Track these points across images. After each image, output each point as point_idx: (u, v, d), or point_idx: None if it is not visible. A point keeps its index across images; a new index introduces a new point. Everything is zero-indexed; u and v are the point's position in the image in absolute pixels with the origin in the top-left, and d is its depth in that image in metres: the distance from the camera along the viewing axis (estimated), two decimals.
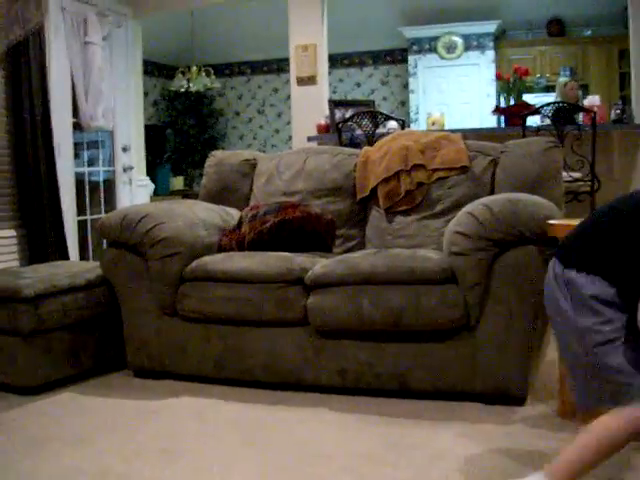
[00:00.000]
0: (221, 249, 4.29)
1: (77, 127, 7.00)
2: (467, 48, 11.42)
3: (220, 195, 4.91)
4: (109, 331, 4.45)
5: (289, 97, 11.37)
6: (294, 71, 7.36)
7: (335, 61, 11.46)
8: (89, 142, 7.57)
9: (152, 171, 8.82)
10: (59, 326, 4.16)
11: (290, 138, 11.31)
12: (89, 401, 3.96)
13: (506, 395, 3.53)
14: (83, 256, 7.08)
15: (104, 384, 4.26)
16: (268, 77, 12.34)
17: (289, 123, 11.65)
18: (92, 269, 4.52)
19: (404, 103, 11.91)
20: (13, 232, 6.10)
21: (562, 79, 7.71)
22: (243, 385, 3.99)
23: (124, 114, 7.62)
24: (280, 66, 12.08)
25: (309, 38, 7.35)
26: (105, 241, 4.42)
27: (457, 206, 4.14)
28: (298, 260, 3.92)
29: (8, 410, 3.82)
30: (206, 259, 4.10)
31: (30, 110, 6.12)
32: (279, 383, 3.92)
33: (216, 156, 5.10)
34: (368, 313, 3.64)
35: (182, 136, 11.58)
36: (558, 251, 2.42)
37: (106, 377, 4.38)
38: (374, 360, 3.72)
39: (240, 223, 4.37)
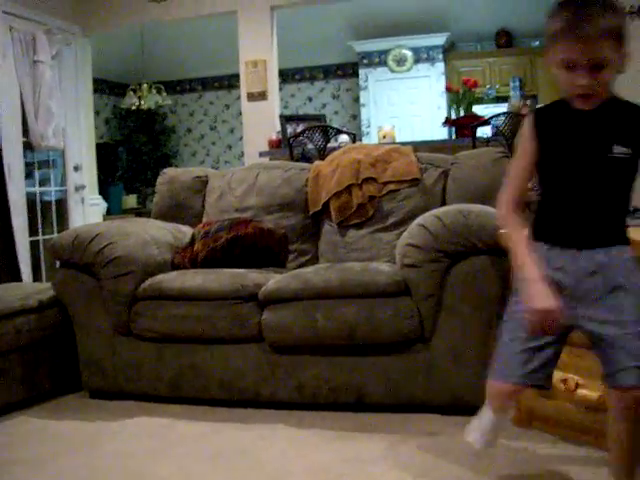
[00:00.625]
0: (174, 267, 4.27)
1: (28, 147, 6.95)
2: (417, 61, 11.49)
3: (172, 212, 4.88)
4: (63, 352, 4.41)
5: (240, 113, 11.44)
6: (244, 87, 7.37)
7: (286, 76, 11.48)
8: (40, 162, 7.53)
9: (104, 190, 8.77)
10: (12, 348, 4.11)
11: (243, 154, 11.33)
12: (45, 424, 3.91)
13: (463, 405, 3.54)
14: (36, 277, 7.02)
15: (60, 406, 4.21)
16: (219, 93, 12.33)
17: (241, 139, 11.63)
18: (44, 290, 4.47)
19: (355, 117, 11.96)
20: None
21: (514, 100, 7.80)
22: (200, 403, 3.97)
23: (75, 133, 7.59)
24: (231, 82, 12.07)
25: (259, 54, 7.36)
26: (57, 261, 4.37)
27: (409, 218, 4.16)
28: (251, 276, 3.92)
29: None
30: (159, 277, 4.08)
31: None
32: (236, 400, 3.91)
33: (167, 174, 5.08)
34: (322, 328, 3.64)
35: (134, 154, 11.52)
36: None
37: (62, 399, 4.33)
38: (330, 375, 3.72)
39: (193, 240, 4.36)
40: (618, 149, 2.22)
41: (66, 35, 7.54)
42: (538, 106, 7.25)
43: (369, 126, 11.52)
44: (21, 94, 6.85)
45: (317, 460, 3.18)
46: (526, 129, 2.35)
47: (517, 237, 2.36)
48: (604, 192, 2.28)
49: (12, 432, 3.82)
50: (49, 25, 7.20)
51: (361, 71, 11.67)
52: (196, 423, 3.74)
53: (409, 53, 11.49)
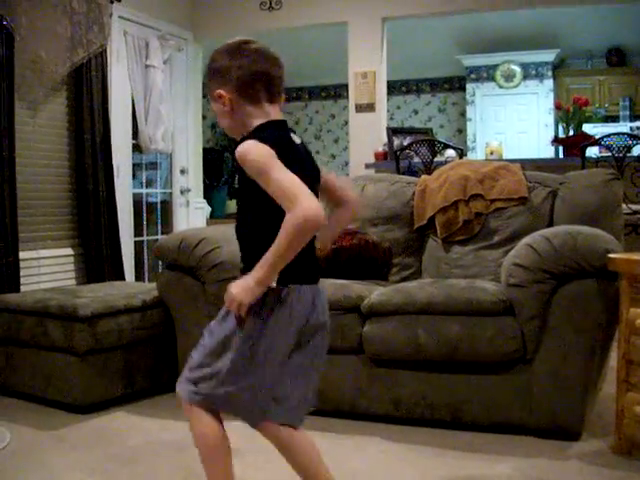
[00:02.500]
0: None
1: (136, 149, 7.09)
2: (525, 77, 11.37)
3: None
4: (163, 352, 4.48)
5: (346, 123, 11.46)
6: (353, 98, 7.37)
7: (393, 88, 11.47)
8: (147, 163, 7.67)
9: (209, 194, 8.87)
10: (114, 346, 4.21)
11: (346, 164, 11.33)
12: (142, 421, 3.98)
13: (561, 430, 3.48)
14: (138, 277, 7.13)
15: (157, 404, 4.28)
16: (325, 103, 12.39)
17: (345, 149, 11.69)
18: (148, 290, 4.55)
19: (461, 131, 11.89)
20: (71, 251, 6.18)
21: None
22: None
23: (183, 137, 7.71)
24: (338, 92, 12.12)
25: (368, 65, 7.36)
26: (162, 263, 4.43)
27: (515, 237, 4.13)
28: (355, 287, 3.91)
29: (61, 428, 3.85)
30: None
31: (91, 131, 6.20)
32: (332, 410, 3.90)
33: None
34: (424, 343, 3.62)
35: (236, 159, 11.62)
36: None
37: (159, 397, 4.40)
38: (428, 390, 3.69)
39: None
40: (239, 179, 2.32)
41: (178, 41, 7.67)
42: None
43: (474, 141, 11.44)
44: (132, 97, 6.98)
45: (410, 475, 3.16)
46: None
47: None
48: (243, 222, 2.42)
49: (110, 427, 3.90)
50: (162, 30, 7.32)
51: (468, 85, 11.60)
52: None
53: (518, 69, 11.38)
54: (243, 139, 2.29)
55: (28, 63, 5.73)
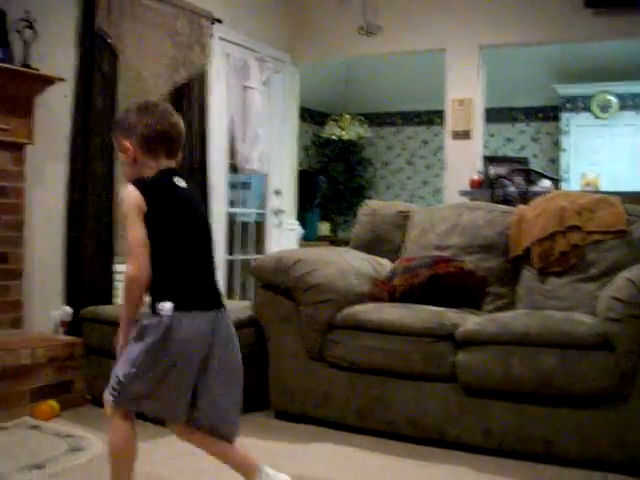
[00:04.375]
0: (372, 299, 4.31)
1: (232, 169, 7.18)
2: (622, 108, 11.18)
3: (372, 244, 4.94)
4: (254, 371, 4.51)
5: (439, 149, 11.43)
6: (449, 125, 7.35)
7: (487, 115, 11.37)
8: (241, 183, 7.76)
9: (301, 216, 8.93)
10: None
11: (438, 190, 11.29)
12: None
13: None
14: (230, 295, 7.21)
15: (245, 423, 4.25)
16: (419, 129, 12.36)
17: (437, 176, 11.63)
18: (242, 309, 4.61)
19: (554, 161, 11.73)
20: None
21: None
22: (385, 436, 3.98)
23: (278, 158, 7.78)
24: (431, 118, 12.08)
25: (465, 92, 7.34)
26: (257, 283, 4.49)
27: (612, 270, 4.08)
28: (449, 315, 3.92)
29: (149, 439, 3.89)
30: (357, 308, 4.13)
31: (189, 150, 6.29)
32: (421, 438, 3.89)
33: (370, 206, 5.15)
34: (517, 374, 3.59)
35: (330, 183, 11.68)
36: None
37: (248, 416, 4.40)
38: (520, 422, 3.66)
39: (392, 274, 4.39)
40: None
41: (276, 63, 7.75)
42: None
43: (568, 172, 11.28)
44: (231, 118, 7.08)
45: None
46: None
47: None
48: None
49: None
50: (261, 52, 7.41)
51: (563, 115, 11.45)
52: (379, 455, 3.76)
53: (614, 99, 11.20)
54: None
55: (131, 81, 5.87)
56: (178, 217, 2.60)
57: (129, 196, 2.53)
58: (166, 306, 2.52)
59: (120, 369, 2.63)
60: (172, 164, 2.71)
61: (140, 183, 2.57)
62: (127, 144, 2.64)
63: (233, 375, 2.77)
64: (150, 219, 2.53)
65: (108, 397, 2.67)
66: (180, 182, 2.67)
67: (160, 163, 2.66)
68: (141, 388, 2.62)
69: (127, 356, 2.61)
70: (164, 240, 2.55)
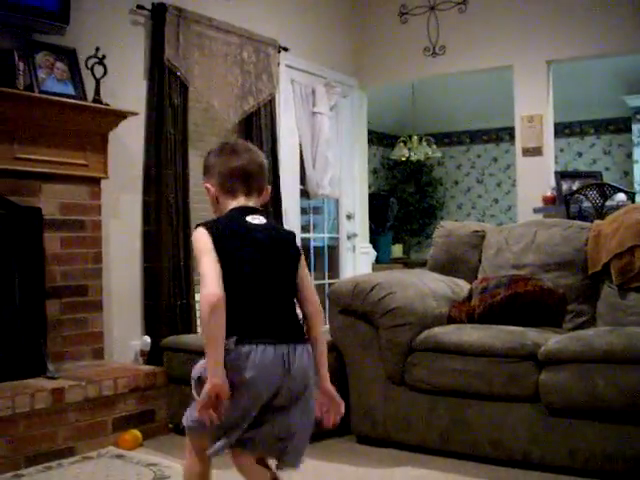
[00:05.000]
0: (450, 320, 4.29)
1: (303, 194, 7.21)
2: None
3: (448, 265, 4.92)
4: None
5: (509, 167, 11.37)
6: (520, 142, 7.30)
7: (556, 130, 11.26)
8: (313, 208, 7.79)
9: (373, 238, 8.92)
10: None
11: (510, 208, 11.21)
12: (312, 464, 3.99)
13: None
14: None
15: (326, 448, 4.30)
16: (487, 146, 12.29)
17: (508, 193, 11.56)
18: None
19: (627, 173, 11.57)
20: None
21: None
22: (468, 459, 3.94)
23: (349, 182, 7.80)
24: (499, 135, 12.01)
25: (534, 108, 7.29)
26: (335, 308, 4.48)
27: None
28: (530, 335, 3.87)
29: (232, 468, 3.91)
30: (436, 330, 4.11)
31: None
32: (504, 459, 3.84)
33: (445, 227, 5.13)
34: (602, 392, 3.53)
35: (401, 204, 11.66)
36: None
37: (329, 441, 4.42)
38: (606, 442, 3.58)
39: (470, 295, 4.37)
40: None
41: (344, 88, 7.78)
42: None
43: None
44: (300, 144, 7.12)
45: None
46: None
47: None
48: None
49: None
50: (328, 78, 7.45)
51: (634, 127, 11.29)
52: (462, 478, 3.72)
53: None
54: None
55: (201, 112, 5.95)
56: (243, 253, 2.55)
57: (195, 236, 2.57)
58: (230, 340, 2.46)
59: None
60: (251, 202, 2.70)
61: (206, 222, 2.61)
62: (208, 185, 2.71)
63: (308, 406, 2.65)
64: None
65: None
66: (255, 219, 2.64)
67: (239, 202, 2.67)
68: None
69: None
70: (228, 276, 2.50)
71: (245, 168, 2.69)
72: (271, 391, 2.47)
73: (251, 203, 2.70)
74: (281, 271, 2.64)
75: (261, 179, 2.74)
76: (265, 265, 2.58)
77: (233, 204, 2.67)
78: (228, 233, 2.58)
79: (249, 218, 2.63)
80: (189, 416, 2.62)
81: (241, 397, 2.45)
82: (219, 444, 2.49)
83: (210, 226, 2.58)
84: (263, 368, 2.46)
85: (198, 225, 2.60)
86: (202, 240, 2.54)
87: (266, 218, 2.69)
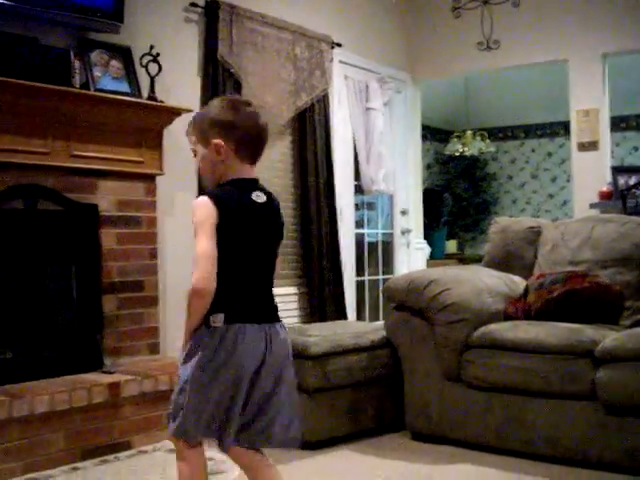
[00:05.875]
0: (506, 317, 4.25)
1: (358, 190, 7.21)
2: None
3: (503, 262, 4.88)
4: (389, 392, 4.52)
5: (563, 162, 11.23)
6: (575, 136, 7.22)
7: (612, 124, 11.12)
8: (366, 204, 7.79)
9: (428, 234, 8.89)
10: (343, 385, 4.28)
11: (564, 203, 11.09)
12: (366, 460, 4.03)
13: None
14: (359, 316, 7.22)
15: (381, 444, 4.31)
16: (542, 141, 12.15)
17: (563, 188, 11.43)
18: (375, 330, 4.61)
19: None
20: (295, 289, 6.34)
21: None
22: (523, 456, 3.90)
23: (403, 178, 7.78)
24: (554, 130, 11.86)
25: (590, 103, 7.21)
26: (390, 304, 4.48)
27: None
28: (587, 332, 3.82)
29: (288, 463, 3.94)
30: (492, 327, 4.09)
31: (315, 173, 6.36)
32: (561, 457, 3.80)
33: (500, 223, 5.09)
34: None
35: (454, 199, 11.59)
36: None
37: (383, 437, 4.43)
38: None
39: (526, 291, 4.33)
40: None
41: (397, 83, 7.76)
42: None
43: None
44: (354, 140, 7.12)
45: None
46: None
47: None
48: None
49: (335, 465, 3.97)
50: (381, 73, 7.43)
51: None
52: (517, 476, 3.68)
53: None
54: (203, 192, 2.58)
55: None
56: (246, 234, 2.51)
57: (202, 207, 2.46)
58: (219, 317, 2.47)
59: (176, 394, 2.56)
60: (254, 171, 2.61)
61: (215, 195, 2.49)
62: (221, 143, 2.52)
63: (292, 386, 2.64)
64: (218, 233, 2.46)
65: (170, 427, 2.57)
66: (259, 197, 2.56)
67: (244, 167, 2.56)
68: (197, 408, 2.50)
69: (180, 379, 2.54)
70: (227, 255, 2.47)
71: (261, 135, 2.60)
72: (253, 367, 2.48)
73: (251, 171, 2.61)
74: (271, 251, 2.65)
75: (263, 149, 2.65)
76: (262, 248, 2.58)
77: (238, 169, 2.56)
78: (237, 210, 2.50)
79: (254, 196, 2.56)
80: (183, 424, 2.51)
81: (226, 373, 2.46)
82: (228, 441, 2.50)
83: (219, 199, 2.48)
84: (249, 346, 2.47)
85: (204, 193, 2.51)
86: (206, 213, 2.45)
87: (264, 191, 2.61)
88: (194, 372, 2.48)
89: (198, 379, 2.48)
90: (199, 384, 2.48)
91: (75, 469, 3.89)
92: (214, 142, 2.52)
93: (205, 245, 2.43)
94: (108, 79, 4.77)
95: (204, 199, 2.47)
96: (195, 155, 2.61)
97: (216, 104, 2.61)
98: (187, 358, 2.51)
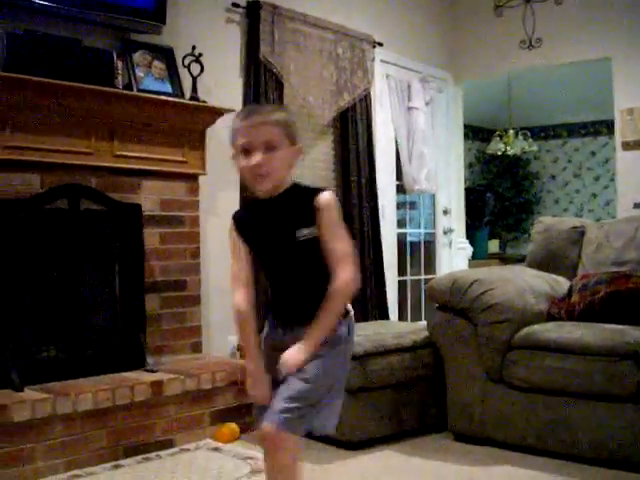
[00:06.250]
0: (550, 318, 4.22)
1: (400, 189, 7.20)
2: None
3: (547, 262, 4.85)
4: (431, 393, 4.50)
5: (607, 161, 11.13)
6: (619, 135, 7.14)
7: None
8: (409, 203, 7.77)
9: (470, 234, 8.84)
10: (385, 385, 4.28)
11: (608, 203, 10.99)
12: (408, 461, 4.02)
13: None
14: (401, 316, 7.21)
15: (423, 445, 4.29)
16: (585, 140, 12.07)
17: (607, 187, 11.33)
18: (417, 330, 4.61)
19: None
20: None
21: None
22: (567, 459, 3.86)
23: (445, 177, 7.74)
24: (597, 128, 11.77)
25: (635, 101, 7.12)
26: (432, 304, 4.47)
27: None
28: (632, 333, 3.76)
29: (329, 463, 3.95)
30: (536, 327, 4.06)
31: (357, 172, 6.35)
32: (605, 460, 3.76)
33: (544, 222, 5.06)
34: None
35: (497, 199, 11.53)
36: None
37: (425, 438, 4.42)
38: None
39: (570, 292, 4.30)
40: (302, 231, 2.44)
41: (439, 82, 7.73)
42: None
43: None
44: (396, 139, 7.10)
45: None
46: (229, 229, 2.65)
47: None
48: (300, 274, 2.53)
49: (376, 465, 3.96)
50: (423, 72, 7.40)
51: None
52: (557, 478, 3.64)
53: None
54: (299, 189, 2.55)
55: (297, 108, 5.96)
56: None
57: (335, 203, 2.48)
58: (349, 308, 2.54)
59: (298, 389, 2.47)
60: None
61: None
62: (301, 147, 2.57)
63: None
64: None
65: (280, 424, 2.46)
66: None
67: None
68: (319, 403, 2.50)
69: (309, 373, 2.48)
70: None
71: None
72: None
73: None
74: None
75: None
76: None
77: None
78: None
79: None
80: (308, 420, 2.49)
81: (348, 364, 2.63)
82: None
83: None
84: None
85: (322, 189, 2.50)
86: (339, 209, 2.48)
87: None
88: (334, 366, 2.52)
89: (340, 374, 2.56)
90: (341, 378, 2.57)
91: (117, 467, 3.91)
92: (300, 145, 2.55)
93: (349, 244, 2.48)
94: (151, 79, 4.80)
95: (331, 194, 2.49)
96: (267, 150, 2.47)
97: (280, 109, 2.72)
98: (325, 352, 2.51)
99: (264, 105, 2.78)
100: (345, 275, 2.42)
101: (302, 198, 2.49)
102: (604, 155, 11.52)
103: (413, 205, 7.88)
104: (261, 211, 2.58)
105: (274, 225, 2.53)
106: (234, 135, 2.54)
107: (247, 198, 2.24)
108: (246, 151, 2.47)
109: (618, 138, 7.16)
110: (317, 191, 2.48)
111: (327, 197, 2.45)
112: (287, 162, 2.51)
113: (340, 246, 2.43)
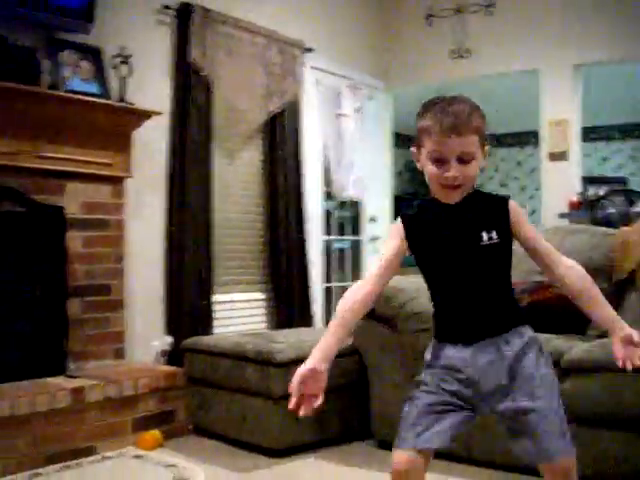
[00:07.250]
0: None
1: (327, 196, 7.20)
2: None
3: None
4: (356, 400, 4.50)
5: (533, 171, 11.29)
6: (545, 146, 7.24)
7: (582, 135, 11.17)
8: (336, 210, 7.78)
9: None
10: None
11: (533, 212, 11.13)
12: (331, 468, 4.02)
13: None
14: (327, 323, 7.19)
15: (348, 452, 4.30)
16: (512, 150, 12.24)
17: (532, 197, 11.49)
18: None
19: None
20: (261, 295, 6.30)
21: None
22: (491, 467, 3.89)
23: (373, 185, 7.76)
24: (523, 139, 11.93)
25: (561, 113, 7.22)
26: None
27: None
28: (554, 342, 3.81)
29: (253, 470, 3.92)
30: None
31: (284, 178, 6.33)
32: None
33: None
34: (628, 402, 3.47)
35: None
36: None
37: (350, 445, 4.42)
38: (636, 452, 3.52)
39: None
40: (486, 236, 2.33)
41: (369, 90, 7.75)
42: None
43: None
44: (324, 145, 7.10)
45: None
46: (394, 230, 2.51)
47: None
48: (484, 282, 2.42)
49: (300, 472, 3.96)
50: (353, 79, 7.43)
51: None
52: None
53: None
54: (483, 194, 2.43)
55: (226, 113, 5.93)
56: None
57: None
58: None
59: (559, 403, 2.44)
60: None
61: None
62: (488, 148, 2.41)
63: None
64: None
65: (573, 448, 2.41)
66: None
67: None
68: None
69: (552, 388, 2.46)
70: None
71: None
72: None
73: None
74: None
75: None
76: None
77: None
78: None
79: None
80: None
81: None
82: None
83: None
84: None
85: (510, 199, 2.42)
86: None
87: None
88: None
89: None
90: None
91: (37, 475, 3.85)
92: (488, 146, 2.42)
93: None
94: (77, 80, 4.73)
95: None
96: (463, 161, 2.30)
97: (473, 105, 2.48)
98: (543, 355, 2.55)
99: (457, 99, 2.48)
100: (572, 261, 2.41)
101: (490, 204, 2.40)
102: (530, 165, 11.69)
103: (341, 212, 7.88)
104: (443, 215, 2.40)
105: (456, 229, 2.37)
106: (422, 134, 2.42)
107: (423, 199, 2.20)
108: (438, 160, 2.32)
109: (544, 149, 7.26)
110: (506, 197, 2.42)
111: (519, 209, 2.41)
112: (479, 168, 2.35)
113: (549, 244, 2.42)
